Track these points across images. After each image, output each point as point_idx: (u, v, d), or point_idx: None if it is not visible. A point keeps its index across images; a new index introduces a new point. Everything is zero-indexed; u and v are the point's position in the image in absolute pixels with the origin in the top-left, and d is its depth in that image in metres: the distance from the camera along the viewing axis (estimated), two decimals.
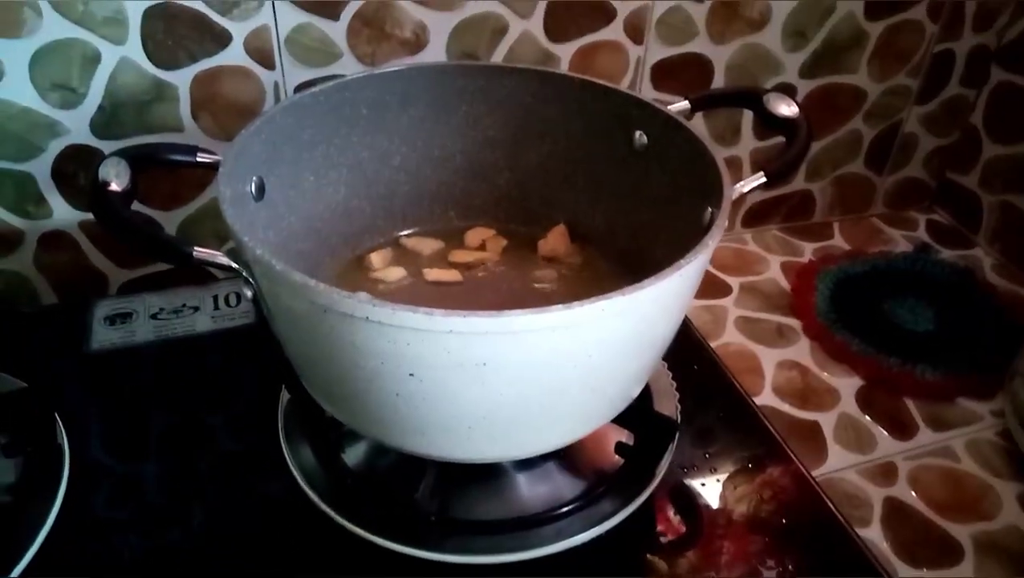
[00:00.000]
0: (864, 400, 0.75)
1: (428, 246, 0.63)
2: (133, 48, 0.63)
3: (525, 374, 0.38)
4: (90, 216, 0.59)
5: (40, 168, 0.66)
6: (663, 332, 0.44)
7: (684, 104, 0.55)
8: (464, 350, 0.36)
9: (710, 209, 0.46)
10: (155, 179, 0.70)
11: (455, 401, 0.39)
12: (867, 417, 0.74)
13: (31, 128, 0.64)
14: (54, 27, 0.60)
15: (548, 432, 0.44)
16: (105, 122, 0.65)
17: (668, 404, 0.57)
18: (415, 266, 0.61)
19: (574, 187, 0.62)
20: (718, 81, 0.83)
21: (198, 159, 0.47)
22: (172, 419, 0.58)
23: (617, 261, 0.60)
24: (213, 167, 0.46)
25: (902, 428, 0.72)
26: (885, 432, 0.72)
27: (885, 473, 0.68)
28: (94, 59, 0.63)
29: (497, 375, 0.38)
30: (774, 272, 0.91)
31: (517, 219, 0.64)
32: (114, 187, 0.40)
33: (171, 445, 0.56)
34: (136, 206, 0.68)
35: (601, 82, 0.57)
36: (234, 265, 0.40)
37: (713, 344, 0.77)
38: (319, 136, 0.55)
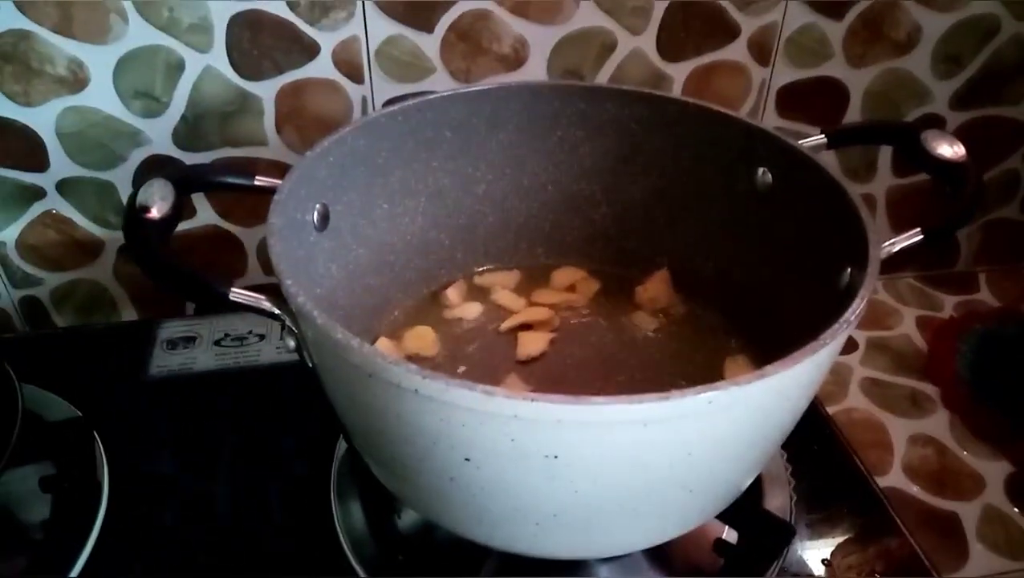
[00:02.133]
0: (1016, 490, 0.65)
1: (511, 282, 0.58)
2: (218, 56, 0.61)
3: (606, 471, 0.32)
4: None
5: (122, 177, 0.65)
6: (782, 424, 0.36)
7: (819, 138, 0.48)
8: (531, 439, 0.30)
9: (850, 270, 0.39)
10: (238, 193, 0.68)
11: (519, 494, 0.33)
12: (1018, 512, 0.63)
13: (113, 136, 0.63)
14: (139, 33, 0.59)
15: (632, 534, 0.37)
16: (187, 132, 0.64)
17: (780, 495, 0.49)
18: (495, 306, 0.56)
19: (681, 228, 0.56)
20: (854, 109, 0.75)
21: (256, 182, 0.42)
22: (218, 460, 0.55)
23: (727, 317, 0.54)
24: (274, 193, 0.41)
25: None
26: None
27: None
28: (178, 67, 0.61)
29: (571, 470, 0.31)
30: (908, 327, 0.82)
31: (613, 261, 0.59)
32: (153, 213, 0.36)
33: (213, 487, 0.53)
34: (215, 220, 0.67)
35: (719, 108, 0.51)
36: (276, 311, 0.35)
37: (833, 410, 0.69)
38: (396, 160, 0.51)
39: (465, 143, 0.53)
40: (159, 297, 0.71)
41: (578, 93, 0.54)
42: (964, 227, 0.64)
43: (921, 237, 0.39)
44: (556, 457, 0.30)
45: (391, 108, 0.49)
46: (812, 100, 0.73)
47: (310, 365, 0.37)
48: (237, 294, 0.35)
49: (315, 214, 0.44)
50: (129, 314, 0.72)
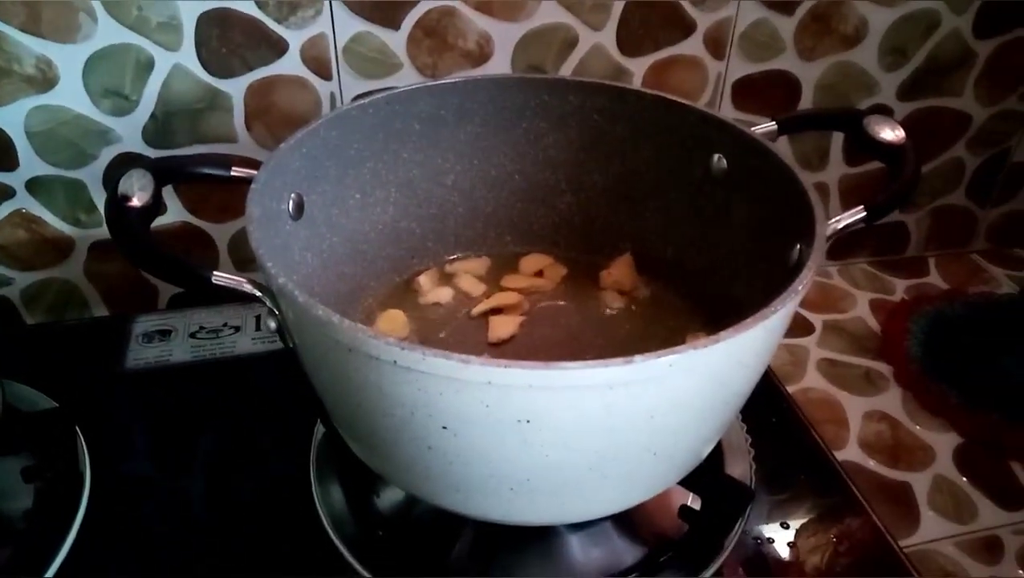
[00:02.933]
0: (963, 461, 0.67)
1: (480, 269, 0.59)
2: (187, 55, 0.62)
3: (575, 434, 0.33)
4: None
5: (92, 175, 0.65)
6: (739, 389, 0.38)
7: (771, 125, 0.49)
8: (504, 405, 0.32)
9: (799, 247, 0.41)
10: (207, 189, 0.68)
11: (493, 460, 0.34)
12: (966, 480, 0.66)
13: (83, 135, 0.63)
14: (108, 32, 0.59)
15: (600, 498, 0.39)
16: (157, 130, 0.64)
17: (741, 463, 0.51)
18: (465, 293, 0.57)
19: (643, 214, 0.57)
20: (806, 101, 0.77)
21: (233, 173, 0.43)
22: (198, 448, 0.56)
23: (688, 297, 0.55)
24: (250, 182, 0.42)
25: (1008, 496, 0.64)
26: (988, 500, 0.64)
27: (989, 548, 0.60)
28: (147, 66, 0.61)
29: (542, 434, 0.33)
30: (862, 310, 0.84)
31: (578, 247, 0.60)
32: (134, 202, 0.37)
33: (194, 476, 0.54)
34: (187, 218, 0.68)
35: (676, 99, 0.52)
36: (257, 293, 0.36)
37: (792, 389, 0.71)
38: (367, 151, 0.51)
39: (434, 135, 0.54)
40: (131, 295, 0.71)
41: (542, 85, 0.55)
42: (904, 204, 0.66)
43: (864, 214, 0.41)
44: (528, 421, 0.32)
45: (361, 101, 0.49)
46: (766, 92, 0.75)
47: (291, 345, 0.39)
48: (220, 277, 0.36)
49: (290, 204, 0.45)
50: (100, 313, 0.72)
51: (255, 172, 0.42)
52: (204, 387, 0.61)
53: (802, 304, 0.82)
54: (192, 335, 0.65)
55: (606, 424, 0.33)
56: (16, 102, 0.60)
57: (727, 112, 0.76)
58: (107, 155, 0.64)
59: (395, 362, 0.31)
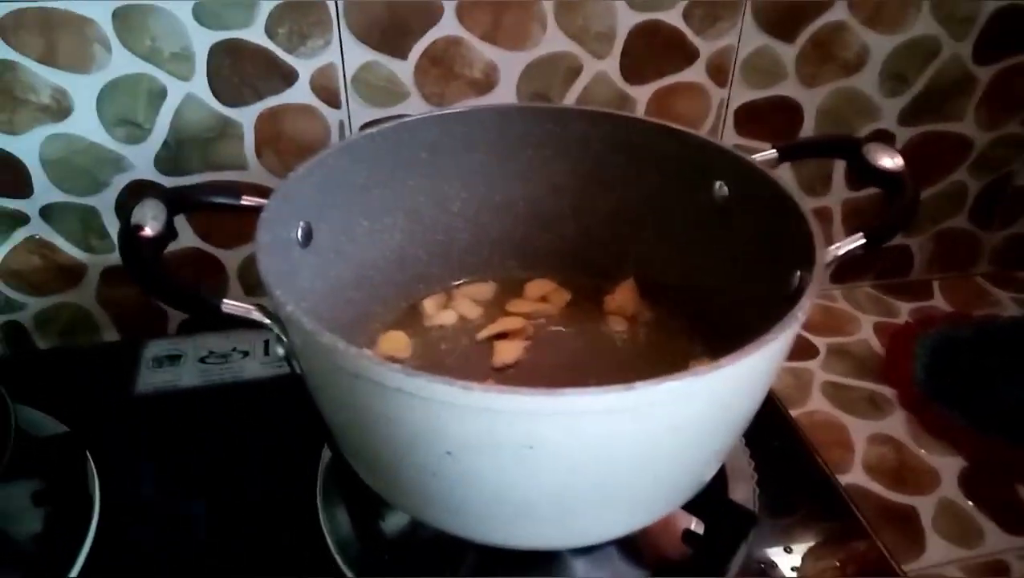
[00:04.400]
0: (969, 484, 0.67)
1: (486, 294, 0.59)
2: (199, 84, 0.63)
3: (577, 459, 0.34)
4: None
5: (104, 202, 0.66)
6: (741, 415, 0.38)
7: (771, 153, 0.50)
8: (507, 431, 0.32)
9: (799, 273, 0.41)
10: (218, 216, 0.69)
11: (496, 485, 0.35)
12: (971, 504, 0.65)
13: (97, 163, 0.64)
14: (122, 62, 0.60)
15: (603, 522, 0.39)
16: (169, 158, 0.65)
17: (744, 487, 0.51)
18: (470, 317, 0.57)
19: (646, 240, 0.58)
20: (808, 127, 0.78)
21: (243, 202, 0.44)
22: (207, 471, 0.56)
23: (691, 322, 0.56)
24: (260, 211, 0.43)
25: (1014, 520, 0.64)
26: (994, 524, 0.63)
27: (995, 572, 0.60)
28: (160, 95, 0.62)
29: (544, 459, 0.33)
30: (866, 333, 0.84)
31: (582, 272, 0.60)
32: (147, 232, 0.38)
33: (203, 499, 0.54)
34: (199, 244, 0.69)
35: (678, 127, 0.53)
36: (266, 321, 0.37)
37: (796, 412, 0.71)
38: (375, 179, 0.52)
39: (440, 163, 0.55)
40: (141, 320, 0.72)
41: (546, 115, 0.55)
42: (904, 230, 0.66)
43: (864, 241, 0.42)
44: (531, 448, 0.33)
45: (370, 131, 0.50)
46: (768, 118, 0.76)
47: (298, 372, 0.39)
48: (229, 305, 0.37)
49: (299, 231, 0.46)
50: (111, 337, 0.73)
51: (265, 201, 0.43)
52: (213, 412, 0.61)
53: (806, 327, 0.83)
54: (201, 360, 0.66)
55: (608, 450, 0.34)
56: (32, 131, 0.61)
57: (730, 138, 0.76)
58: (120, 182, 0.65)
59: (399, 389, 0.32)
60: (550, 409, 0.31)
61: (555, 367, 0.53)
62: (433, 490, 0.37)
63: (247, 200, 0.44)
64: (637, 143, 0.55)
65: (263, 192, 0.45)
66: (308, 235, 0.47)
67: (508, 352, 0.54)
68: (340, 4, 0.61)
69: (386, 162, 0.52)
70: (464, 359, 0.54)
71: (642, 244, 0.58)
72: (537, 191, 0.59)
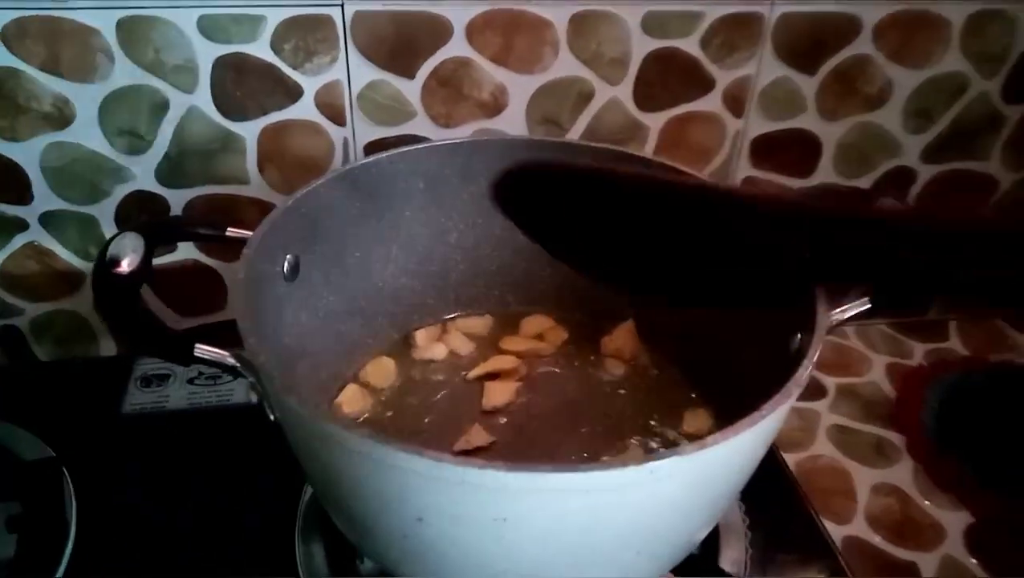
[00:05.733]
0: (974, 542, 0.64)
1: (481, 328, 0.58)
2: (202, 97, 0.62)
3: (554, 535, 0.32)
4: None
5: (104, 212, 0.66)
6: (729, 488, 0.37)
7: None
8: (479, 503, 0.31)
9: (799, 336, 0.39)
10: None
11: (468, 554, 0.34)
12: (976, 562, 0.63)
13: (98, 172, 0.63)
14: (125, 73, 0.60)
15: None
16: (170, 170, 0.64)
17: (735, 547, 0.49)
18: (462, 353, 0.56)
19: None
20: (826, 160, 0.76)
21: (228, 234, 0.43)
22: (187, 499, 0.55)
23: (689, 368, 0.54)
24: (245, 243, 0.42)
25: None
26: None
27: None
28: (163, 106, 0.62)
29: (518, 533, 0.32)
30: (877, 374, 0.81)
31: (581, 310, 0.59)
32: (123, 267, 0.36)
33: (181, 528, 0.53)
34: (196, 255, 0.68)
35: (680, 167, 0.51)
36: (238, 366, 0.36)
37: (800, 456, 0.69)
38: (369, 209, 0.51)
39: (438, 194, 0.54)
40: None
41: (548, 148, 0.54)
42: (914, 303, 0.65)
43: (869, 306, 0.40)
44: (505, 520, 0.31)
45: (365, 160, 0.49)
46: (785, 151, 0.74)
47: (272, 418, 0.38)
48: (201, 350, 0.36)
49: (285, 265, 0.45)
50: (108, 345, 0.72)
51: (250, 234, 0.42)
52: (198, 436, 0.60)
53: (815, 366, 0.80)
54: (190, 381, 0.65)
55: (586, 525, 0.32)
56: (33, 138, 0.61)
57: (744, 169, 0.74)
58: (120, 192, 0.64)
59: (369, 454, 0.30)
60: (524, 485, 0.30)
61: (546, 412, 0.52)
62: (407, 549, 0.35)
63: (232, 232, 0.43)
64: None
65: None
66: (295, 268, 0.46)
67: (499, 395, 0.52)
68: (348, 21, 0.60)
69: (381, 192, 0.51)
70: (453, 400, 0.53)
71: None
72: None
